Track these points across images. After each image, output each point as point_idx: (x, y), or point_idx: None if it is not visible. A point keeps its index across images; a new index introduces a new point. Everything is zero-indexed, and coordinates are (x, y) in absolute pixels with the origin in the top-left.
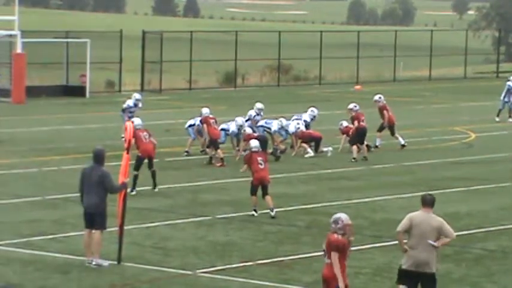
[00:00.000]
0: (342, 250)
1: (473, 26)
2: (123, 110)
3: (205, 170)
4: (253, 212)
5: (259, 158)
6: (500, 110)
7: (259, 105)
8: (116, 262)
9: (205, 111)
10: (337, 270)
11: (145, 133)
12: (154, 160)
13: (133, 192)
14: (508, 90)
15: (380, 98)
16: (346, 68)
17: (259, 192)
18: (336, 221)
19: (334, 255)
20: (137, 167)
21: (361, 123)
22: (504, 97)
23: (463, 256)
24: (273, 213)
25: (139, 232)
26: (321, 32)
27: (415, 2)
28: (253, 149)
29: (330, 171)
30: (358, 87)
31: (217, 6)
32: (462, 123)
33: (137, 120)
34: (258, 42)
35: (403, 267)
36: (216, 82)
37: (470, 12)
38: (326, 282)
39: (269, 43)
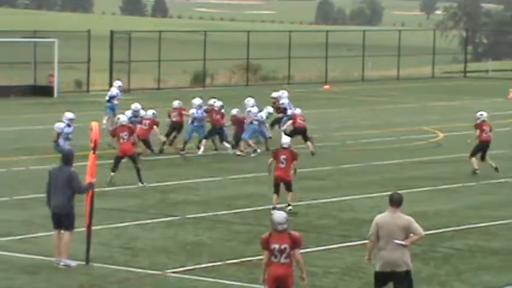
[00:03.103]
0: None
1: (441, 25)
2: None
3: (175, 170)
4: (272, 211)
5: (282, 157)
6: None
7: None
8: (84, 262)
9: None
10: (303, 264)
11: (125, 132)
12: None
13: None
14: None
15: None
16: (314, 67)
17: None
18: (287, 219)
19: (298, 251)
20: (115, 166)
21: (299, 121)
22: None
23: (431, 255)
24: (289, 207)
25: (108, 232)
26: (290, 31)
27: (383, 2)
28: (283, 145)
29: (299, 170)
30: (326, 86)
31: (185, 6)
32: (430, 122)
33: (123, 117)
34: (226, 42)
35: (377, 269)
36: (185, 82)
37: (438, 12)
38: (282, 281)
39: (238, 43)
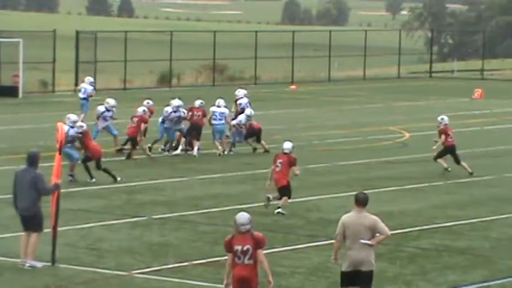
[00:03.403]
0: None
1: (407, 26)
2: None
3: (140, 170)
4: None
5: (278, 161)
6: None
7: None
8: (49, 263)
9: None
10: (267, 265)
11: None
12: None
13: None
14: None
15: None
16: (281, 68)
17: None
18: (250, 220)
19: (261, 252)
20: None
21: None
22: None
23: (396, 255)
24: (278, 210)
25: (74, 233)
26: (256, 32)
27: (349, 2)
28: (284, 150)
29: (265, 170)
30: (293, 87)
31: (151, 6)
32: (396, 122)
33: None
34: (193, 42)
35: (343, 269)
36: (151, 82)
37: (404, 12)
38: (246, 282)
39: (204, 43)
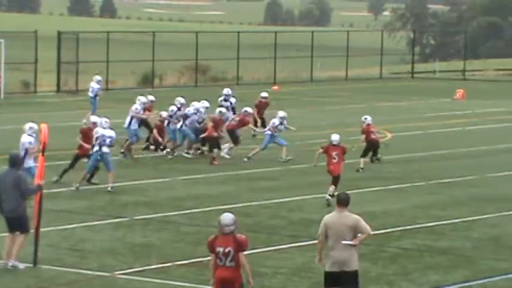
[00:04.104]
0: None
1: (389, 26)
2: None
3: (123, 171)
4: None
5: (334, 153)
6: None
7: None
8: (31, 265)
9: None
10: (249, 268)
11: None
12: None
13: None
14: None
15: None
16: (263, 68)
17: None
18: (235, 221)
19: (242, 255)
20: (73, 164)
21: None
22: None
23: (379, 255)
24: (328, 197)
25: (57, 234)
26: (238, 32)
27: (331, 2)
28: (333, 142)
29: (248, 171)
30: (275, 87)
31: (134, 6)
32: (378, 123)
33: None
34: (175, 43)
35: (326, 269)
36: (134, 83)
37: (386, 13)
38: (229, 284)
39: (187, 44)
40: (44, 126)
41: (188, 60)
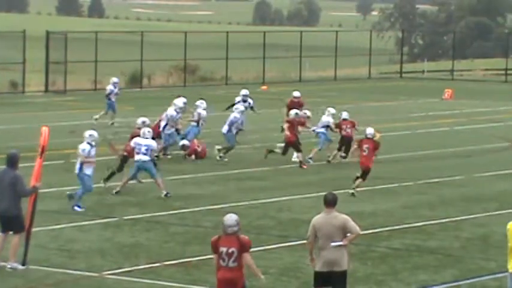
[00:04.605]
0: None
1: (377, 26)
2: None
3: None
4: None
5: (365, 146)
6: None
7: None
8: (21, 265)
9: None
10: (255, 267)
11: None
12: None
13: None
14: None
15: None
16: (252, 68)
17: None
18: (238, 222)
19: (247, 255)
20: (121, 167)
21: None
22: None
23: (368, 255)
24: (352, 191)
25: (45, 234)
26: (227, 32)
27: (320, 2)
28: (367, 135)
29: (237, 171)
30: (264, 87)
31: (122, 6)
32: (367, 122)
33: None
34: (164, 43)
35: (316, 269)
36: (122, 83)
37: (374, 13)
38: (231, 285)
39: (175, 43)
40: (45, 129)
41: (177, 60)
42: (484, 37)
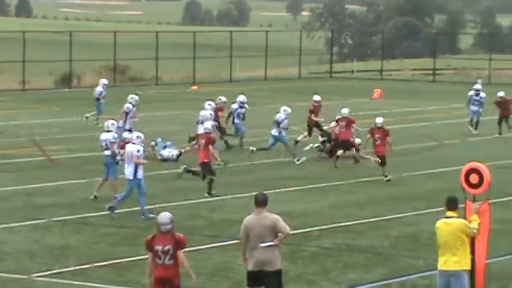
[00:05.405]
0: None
1: (307, 26)
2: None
3: (41, 172)
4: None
5: (376, 135)
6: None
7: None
8: None
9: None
10: (188, 265)
11: (202, 140)
12: None
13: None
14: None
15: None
16: (182, 68)
17: None
18: (172, 220)
19: (181, 253)
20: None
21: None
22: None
23: (298, 254)
24: (386, 178)
25: None
26: (157, 32)
27: (250, 2)
28: (377, 125)
29: (167, 171)
30: (194, 87)
31: (50, 6)
32: (298, 123)
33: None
34: (93, 43)
35: (249, 269)
36: (51, 83)
37: (304, 13)
38: (168, 282)
39: (105, 43)
40: None
41: (106, 60)
42: (412, 37)
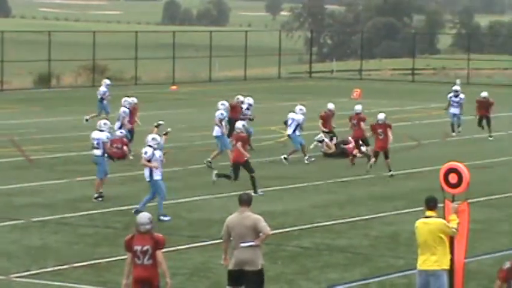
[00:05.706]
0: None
1: (286, 26)
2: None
3: (19, 172)
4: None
5: (379, 130)
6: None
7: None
8: None
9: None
10: (165, 266)
11: (234, 141)
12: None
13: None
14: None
15: None
16: (162, 68)
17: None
18: (151, 220)
19: (160, 253)
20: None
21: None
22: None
23: (278, 254)
24: (390, 173)
25: None
26: (136, 32)
27: (229, 2)
28: (379, 121)
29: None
30: (174, 87)
31: (28, 5)
32: (277, 122)
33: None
34: (72, 43)
35: (229, 268)
36: (30, 83)
37: (284, 13)
38: (147, 283)
39: (84, 43)
40: None
41: (85, 60)
42: (391, 37)
